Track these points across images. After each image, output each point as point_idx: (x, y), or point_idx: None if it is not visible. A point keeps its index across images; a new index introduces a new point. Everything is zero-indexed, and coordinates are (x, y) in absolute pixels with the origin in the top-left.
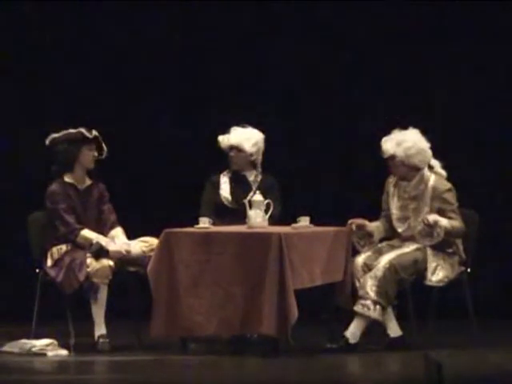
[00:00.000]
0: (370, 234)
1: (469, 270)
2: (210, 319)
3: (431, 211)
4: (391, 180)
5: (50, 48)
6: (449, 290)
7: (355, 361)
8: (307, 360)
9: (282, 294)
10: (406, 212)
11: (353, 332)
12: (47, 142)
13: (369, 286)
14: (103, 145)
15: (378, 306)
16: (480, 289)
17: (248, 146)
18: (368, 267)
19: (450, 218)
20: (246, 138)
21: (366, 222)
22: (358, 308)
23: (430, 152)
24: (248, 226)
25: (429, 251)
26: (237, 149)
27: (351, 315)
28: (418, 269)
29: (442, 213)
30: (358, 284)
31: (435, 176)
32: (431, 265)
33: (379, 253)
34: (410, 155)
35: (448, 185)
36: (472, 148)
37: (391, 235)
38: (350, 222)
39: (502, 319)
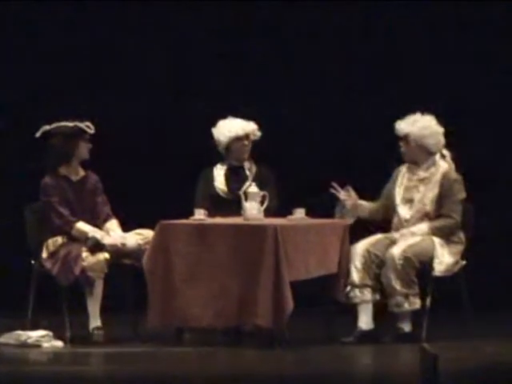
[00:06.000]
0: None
1: (464, 262)
2: (205, 311)
3: (436, 197)
4: (402, 169)
5: None
6: (445, 281)
7: (350, 353)
8: (303, 352)
9: (277, 285)
10: (411, 194)
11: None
12: (38, 134)
13: (393, 281)
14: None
15: (409, 297)
16: (476, 280)
17: (258, 132)
18: (369, 253)
19: (448, 209)
20: (251, 125)
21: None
22: (394, 309)
23: (443, 138)
24: (243, 218)
25: (435, 240)
26: (246, 137)
27: (348, 308)
28: (427, 258)
29: (441, 200)
30: (354, 272)
31: (447, 164)
32: (437, 254)
33: (382, 244)
34: (424, 135)
35: (458, 176)
36: None
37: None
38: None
39: (497, 311)
